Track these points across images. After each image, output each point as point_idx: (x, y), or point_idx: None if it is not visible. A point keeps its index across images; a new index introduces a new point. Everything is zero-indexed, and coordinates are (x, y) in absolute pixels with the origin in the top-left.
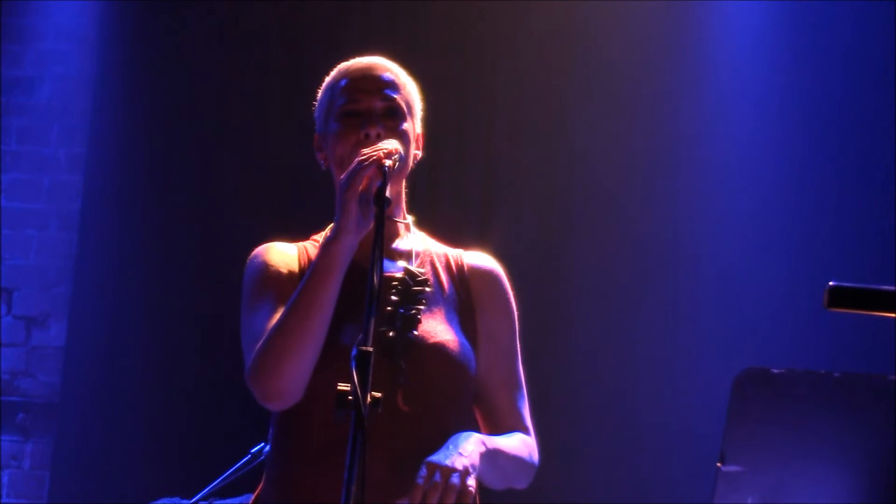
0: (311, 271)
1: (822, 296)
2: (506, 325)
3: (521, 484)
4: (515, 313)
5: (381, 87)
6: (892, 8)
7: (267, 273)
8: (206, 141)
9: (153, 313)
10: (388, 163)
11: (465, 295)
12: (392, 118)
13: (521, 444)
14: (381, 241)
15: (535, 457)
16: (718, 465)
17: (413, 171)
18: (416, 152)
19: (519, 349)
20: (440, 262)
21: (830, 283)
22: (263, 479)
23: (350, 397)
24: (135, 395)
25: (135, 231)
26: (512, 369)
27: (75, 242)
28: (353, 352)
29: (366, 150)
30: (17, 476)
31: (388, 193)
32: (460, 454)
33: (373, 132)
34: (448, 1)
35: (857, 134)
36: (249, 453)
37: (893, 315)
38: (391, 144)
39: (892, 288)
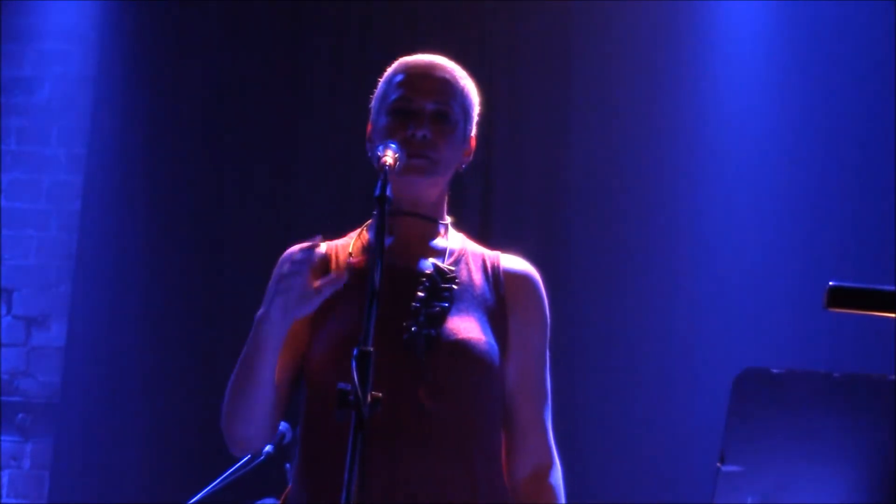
0: (248, 341)
1: (822, 296)
2: (537, 333)
3: None
4: (548, 321)
5: (437, 88)
6: (892, 8)
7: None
8: (206, 140)
9: (153, 313)
10: (388, 161)
11: (498, 297)
12: (441, 121)
13: None
14: (382, 241)
15: (562, 498)
16: (718, 465)
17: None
18: (465, 158)
19: (548, 358)
20: (475, 263)
21: (830, 283)
22: (292, 481)
23: (351, 397)
24: (135, 395)
25: (135, 231)
26: (540, 379)
27: (75, 242)
28: (354, 352)
29: (297, 256)
30: (17, 476)
31: (391, 192)
32: None
33: (419, 133)
34: (448, 1)
35: (858, 134)
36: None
37: (893, 315)
38: (390, 151)
39: (892, 288)
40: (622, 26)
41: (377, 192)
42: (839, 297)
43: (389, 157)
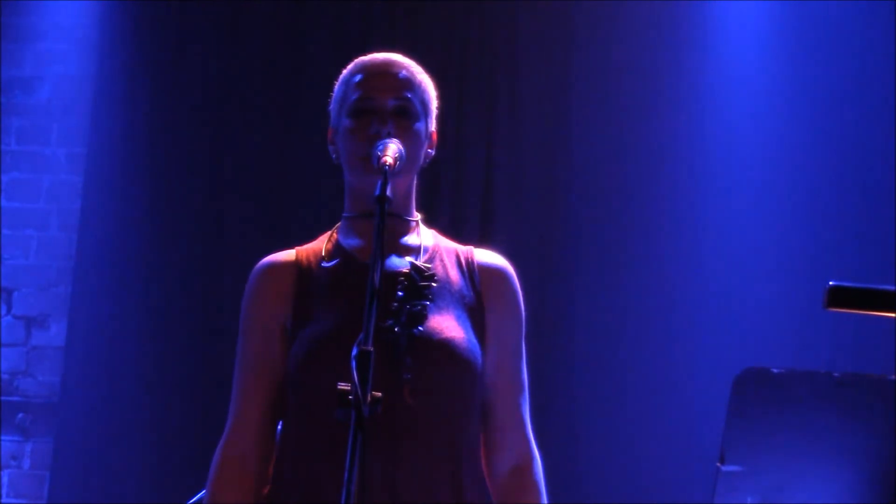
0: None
1: (822, 296)
2: (513, 326)
3: None
4: (524, 314)
5: (396, 85)
6: (892, 8)
7: (249, 319)
8: (206, 140)
9: (153, 313)
10: (388, 161)
11: (475, 292)
12: (404, 117)
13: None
14: (381, 241)
15: (543, 493)
16: (718, 465)
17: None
18: (428, 151)
19: (524, 351)
20: (449, 259)
21: (830, 283)
22: (271, 479)
23: (350, 397)
24: (135, 395)
25: (135, 231)
26: (517, 371)
27: (75, 242)
28: (354, 351)
29: None
30: (17, 476)
31: (390, 192)
32: None
33: (383, 130)
34: (448, 1)
35: (858, 134)
36: None
37: (893, 315)
38: (392, 148)
39: (892, 288)
40: (622, 26)
41: (377, 192)
42: (839, 297)
43: (390, 156)
